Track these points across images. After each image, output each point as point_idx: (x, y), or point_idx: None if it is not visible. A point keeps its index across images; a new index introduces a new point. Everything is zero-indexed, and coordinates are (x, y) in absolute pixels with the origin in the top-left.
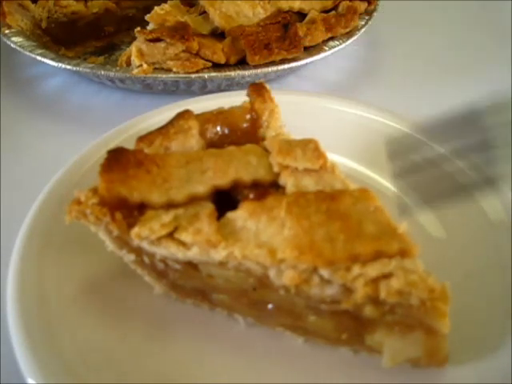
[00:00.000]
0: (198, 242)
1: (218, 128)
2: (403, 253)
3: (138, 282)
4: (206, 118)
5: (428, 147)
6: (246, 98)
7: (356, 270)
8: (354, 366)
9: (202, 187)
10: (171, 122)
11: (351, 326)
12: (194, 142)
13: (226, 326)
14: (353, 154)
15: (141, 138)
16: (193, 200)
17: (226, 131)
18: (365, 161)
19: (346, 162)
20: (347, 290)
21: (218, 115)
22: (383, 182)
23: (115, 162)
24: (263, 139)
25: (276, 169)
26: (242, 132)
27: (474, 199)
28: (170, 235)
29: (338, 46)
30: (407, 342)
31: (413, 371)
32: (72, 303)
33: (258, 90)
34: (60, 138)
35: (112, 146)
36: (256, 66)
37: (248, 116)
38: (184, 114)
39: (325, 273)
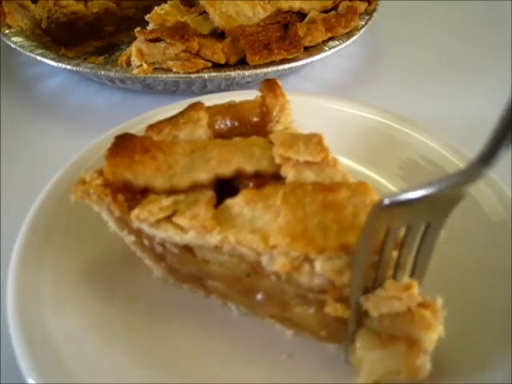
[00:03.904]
0: (194, 227)
1: (228, 120)
2: (379, 249)
3: (136, 281)
4: (217, 110)
5: (428, 147)
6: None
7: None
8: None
9: (204, 175)
10: (181, 113)
11: (334, 324)
12: (201, 132)
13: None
14: (352, 154)
15: (150, 126)
16: (195, 187)
17: (236, 124)
18: (364, 160)
19: (346, 161)
20: (333, 283)
21: (229, 108)
22: (382, 181)
23: (122, 147)
24: (271, 133)
25: (278, 160)
26: (252, 125)
27: (474, 199)
28: (169, 219)
29: (337, 46)
30: (388, 353)
31: None
32: (71, 303)
33: (270, 85)
34: (60, 138)
35: None
36: (256, 66)
37: (259, 110)
38: (195, 105)
39: (317, 265)
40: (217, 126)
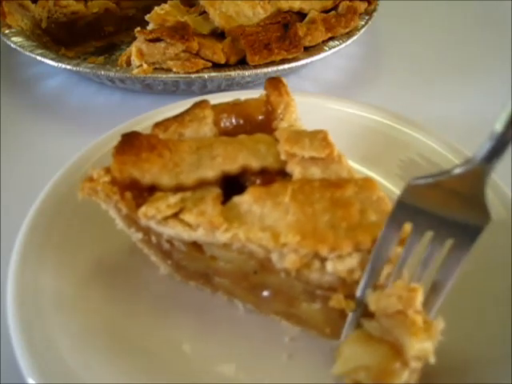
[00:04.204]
0: (202, 223)
1: (233, 118)
2: (403, 242)
3: (139, 280)
4: (222, 108)
5: (428, 147)
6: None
7: None
8: None
9: (210, 172)
10: (187, 111)
11: (339, 320)
12: (207, 129)
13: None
14: (352, 154)
15: (157, 124)
16: (201, 184)
17: (241, 122)
18: (364, 160)
19: None
20: (343, 280)
21: (235, 106)
22: (383, 182)
23: (128, 145)
24: (276, 130)
25: (283, 157)
26: (257, 123)
27: None
28: (176, 216)
29: (337, 46)
30: (368, 349)
31: None
32: (71, 303)
33: (274, 83)
34: (60, 138)
35: (112, 146)
36: (256, 66)
37: (264, 108)
38: (201, 104)
39: (328, 265)
40: (222, 124)
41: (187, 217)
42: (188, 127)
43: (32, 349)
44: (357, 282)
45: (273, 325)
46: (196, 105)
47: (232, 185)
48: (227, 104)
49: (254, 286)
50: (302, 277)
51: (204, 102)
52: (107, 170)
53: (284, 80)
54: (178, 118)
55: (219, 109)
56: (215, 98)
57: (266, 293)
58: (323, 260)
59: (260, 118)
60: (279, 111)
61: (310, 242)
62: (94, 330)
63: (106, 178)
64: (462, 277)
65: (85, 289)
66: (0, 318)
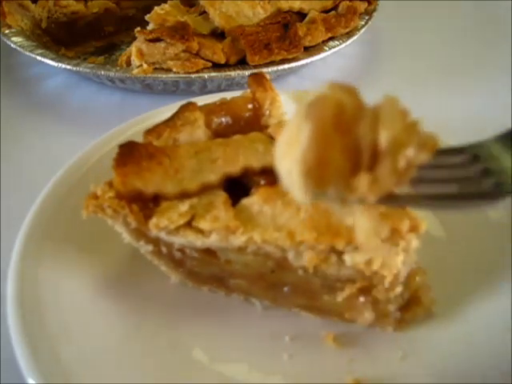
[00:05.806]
0: (217, 229)
1: (223, 118)
2: (414, 229)
3: (139, 281)
4: (210, 109)
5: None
6: None
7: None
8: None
9: (213, 176)
10: (177, 115)
11: (360, 306)
12: (200, 132)
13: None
14: None
15: (148, 131)
16: (205, 189)
17: (230, 121)
18: None
19: None
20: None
21: (222, 105)
22: None
23: (128, 156)
24: (266, 127)
25: None
26: (246, 121)
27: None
28: (188, 224)
29: (338, 46)
30: None
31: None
32: (71, 303)
33: (258, 79)
34: (60, 138)
35: (112, 146)
36: (256, 66)
37: (250, 105)
38: (189, 106)
39: (347, 259)
40: (213, 125)
41: (202, 224)
42: (181, 132)
43: (32, 349)
44: (375, 273)
45: (273, 324)
46: (184, 108)
47: (233, 186)
48: (214, 104)
49: (272, 284)
50: (320, 272)
51: (192, 104)
52: (110, 185)
53: (266, 75)
54: (170, 123)
55: (207, 110)
56: (199, 101)
57: (284, 289)
58: (340, 254)
59: (248, 115)
60: (266, 107)
61: (327, 238)
62: (94, 329)
63: (111, 193)
64: (462, 277)
65: (85, 289)
66: (0, 317)
